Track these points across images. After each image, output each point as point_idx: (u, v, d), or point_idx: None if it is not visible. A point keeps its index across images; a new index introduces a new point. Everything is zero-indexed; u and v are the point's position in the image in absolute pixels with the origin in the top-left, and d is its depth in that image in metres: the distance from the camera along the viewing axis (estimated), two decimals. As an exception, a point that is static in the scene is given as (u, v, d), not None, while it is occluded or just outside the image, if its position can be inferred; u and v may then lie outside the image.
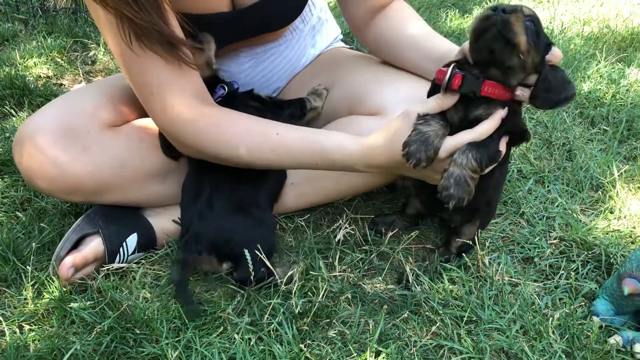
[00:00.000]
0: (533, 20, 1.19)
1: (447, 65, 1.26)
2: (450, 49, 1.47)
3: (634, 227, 1.69)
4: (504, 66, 1.20)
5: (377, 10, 1.64)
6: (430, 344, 1.31)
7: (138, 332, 1.26)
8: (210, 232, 1.41)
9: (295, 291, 1.37)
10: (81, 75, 2.57)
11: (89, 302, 1.35)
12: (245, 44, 1.72)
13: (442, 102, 1.25)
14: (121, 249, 1.47)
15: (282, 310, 1.33)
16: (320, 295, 1.35)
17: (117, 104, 1.55)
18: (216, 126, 1.36)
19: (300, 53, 1.88)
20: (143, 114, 1.56)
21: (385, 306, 1.35)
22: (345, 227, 1.53)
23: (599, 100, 2.34)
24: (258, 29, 1.66)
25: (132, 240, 1.50)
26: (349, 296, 1.42)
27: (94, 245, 1.46)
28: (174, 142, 1.41)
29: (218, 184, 1.46)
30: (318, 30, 1.93)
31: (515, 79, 1.23)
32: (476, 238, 1.51)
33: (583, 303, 1.46)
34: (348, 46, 2.08)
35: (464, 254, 1.51)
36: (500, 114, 1.24)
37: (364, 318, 1.36)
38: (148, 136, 1.52)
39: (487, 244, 1.62)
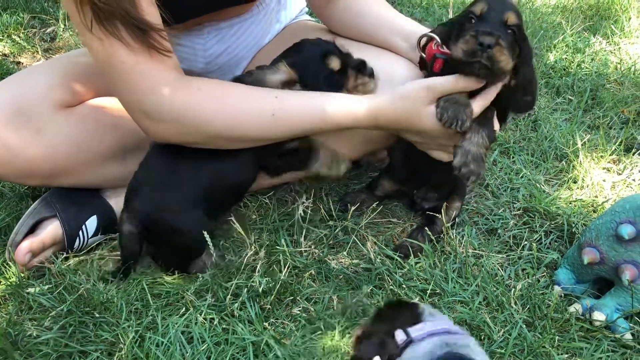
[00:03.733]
0: (516, 28, 1.24)
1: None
2: (416, 29, 1.50)
3: (596, 196, 1.71)
4: None
5: None
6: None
7: (97, 315, 1.24)
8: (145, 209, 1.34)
9: (258, 269, 1.36)
10: (40, 52, 2.49)
11: (47, 287, 1.32)
12: (210, 18, 1.66)
13: (462, 82, 1.27)
14: (81, 232, 1.44)
15: (245, 289, 1.32)
16: (284, 273, 1.34)
17: (71, 83, 1.49)
18: (209, 92, 1.31)
19: (266, 29, 1.83)
20: (99, 93, 1.52)
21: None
22: (307, 204, 1.52)
23: (564, 70, 2.35)
24: (224, 1, 1.61)
25: (92, 223, 1.47)
26: (314, 272, 1.42)
27: (52, 229, 1.42)
28: (150, 126, 1.30)
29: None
30: (283, 4, 1.89)
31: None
32: (442, 211, 1.51)
33: (545, 273, 1.48)
34: (314, 19, 2.05)
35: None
36: (497, 86, 1.30)
37: (328, 294, 1.36)
38: (104, 116, 1.48)
39: (452, 216, 1.62)
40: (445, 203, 1.54)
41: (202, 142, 1.34)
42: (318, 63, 1.43)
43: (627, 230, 1.29)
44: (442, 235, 1.51)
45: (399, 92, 1.34)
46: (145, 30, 1.21)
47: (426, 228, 1.51)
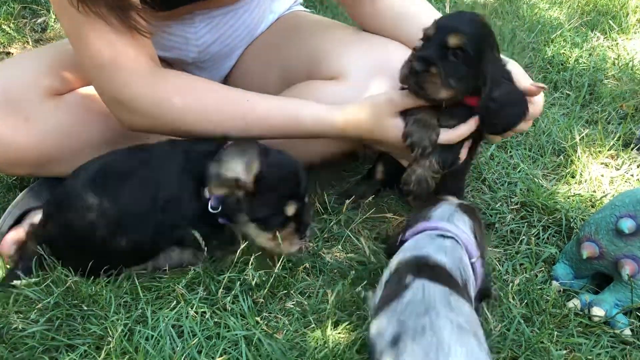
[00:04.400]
0: (459, 51, 1.21)
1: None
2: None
3: (594, 191, 1.69)
4: None
5: None
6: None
7: (85, 308, 1.20)
8: None
9: (252, 262, 1.33)
10: (30, 43, 2.45)
11: (33, 280, 1.28)
12: (201, 6, 1.63)
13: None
14: (69, 223, 1.41)
15: (238, 283, 1.29)
16: (277, 267, 1.31)
17: (60, 71, 1.46)
18: (181, 89, 1.32)
19: (259, 18, 1.80)
20: (88, 81, 1.48)
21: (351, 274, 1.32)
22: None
23: (562, 64, 2.33)
24: None
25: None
26: (308, 266, 1.39)
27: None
28: (124, 116, 1.32)
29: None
30: (277, -6, 1.86)
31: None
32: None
33: (543, 268, 1.46)
34: (308, 10, 2.02)
35: None
36: (475, 119, 1.29)
37: (322, 288, 1.33)
38: (94, 105, 1.44)
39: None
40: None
41: (175, 134, 1.37)
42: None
43: (627, 225, 1.27)
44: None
45: (366, 102, 1.37)
46: (126, 9, 1.20)
47: None
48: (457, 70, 1.21)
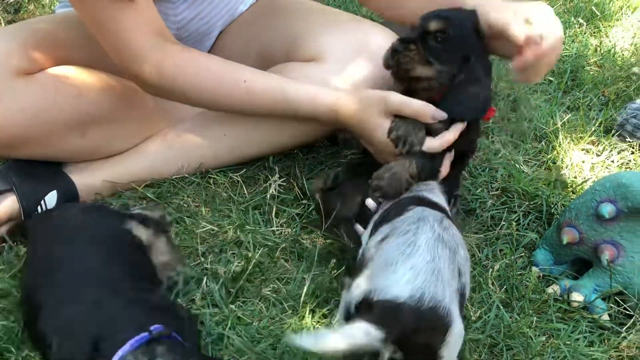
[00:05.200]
0: (439, 33, 1.22)
1: None
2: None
3: (575, 177, 1.68)
4: None
5: None
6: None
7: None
8: None
9: (227, 249, 1.30)
10: (3, 24, 2.38)
11: (2, 267, 1.24)
12: None
13: (420, 111, 1.23)
14: (39, 208, 1.37)
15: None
16: (255, 252, 1.29)
17: (30, 50, 1.41)
18: (182, 68, 1.35)
19: (240, -3, 1.77)
20: (60, 61, 1.44)
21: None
22: (279, 182, 1.46)
23: (544, 50, 2.31)
24: None
25: (51, 198, 1.39)
26: (287, 252, 1.37)
27: (8, 204, 1.34)
28: (136, 81, 1.39)
29: None
30: (258, -28, 1.83)
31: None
32: None
33: (524, 254, 1.44)
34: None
35: None
36: (459, 126, 1.25)
37: (300, 274, 1.31)
38: (65, 85, 1.40)
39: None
40: None
41: (180, 102, 1.47)
42: None
43: (607, 209, 1.26)
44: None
45: (362, 92, 1.34)
46: None
47: None
48: (437, 51, 1.22)
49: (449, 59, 1.23)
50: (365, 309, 0.92)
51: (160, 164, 1.53)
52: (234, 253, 1.33)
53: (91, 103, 1.43)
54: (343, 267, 1.30)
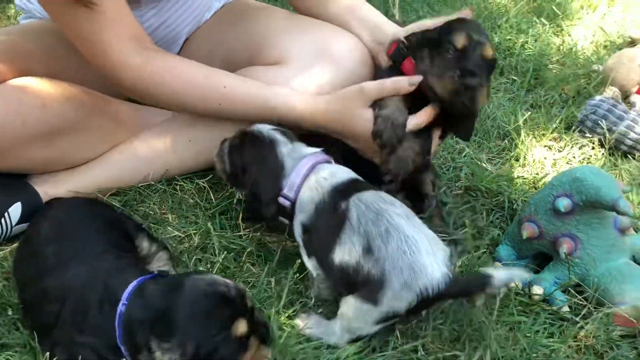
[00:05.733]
0: (494, 60, 1.27)
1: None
2: (384, 21, 1.53)
3: (537, 173, 1.72)
4: None
5: None
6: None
7: (11, 314, 1.17)
8: None
9: (192, 255, 1.31)
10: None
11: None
12: None
13: (397, 85, 1.29)
14: (3, 220, 1.36)
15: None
16: (219, 256, 1.30)
17: None
18: (163, 74, 1.39)
19: (206, 5, 1.79)
20: (22, 73, 1.44)
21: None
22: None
23: (508, 50, 2.36)
24: None
25: (15, 210, 1.38)
26: (254, 256, 1.38)
27: (-29, 217, 1.34)
28: (118, 87, 1.43)
29: None
30: (223, -20, 1.85)
31: None
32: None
33: (487, 250, 1.47)
34: (254, -1, 2.01)
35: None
36: (433, 106, 1.31)
37: (266, 278, 1.32)
38: (28, 96, 1.40)
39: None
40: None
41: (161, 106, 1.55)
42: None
43: (563, 203, 1.29)
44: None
45: (338, 92, 1.38)
46: None
47: None
48: (489, 79, 1.28)
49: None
50: None
51: (126, 173, 1.53)
52: (199, 258, 1.34)
53: (55, 114, 1.42)
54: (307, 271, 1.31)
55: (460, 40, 1.23)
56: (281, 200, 1.27)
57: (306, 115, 1.39)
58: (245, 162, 1.31)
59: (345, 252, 1.14)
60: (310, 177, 1.25)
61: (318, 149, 1.32)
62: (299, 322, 1.21)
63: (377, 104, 1.30)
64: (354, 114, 1.33)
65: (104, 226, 1.26)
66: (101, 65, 1.38)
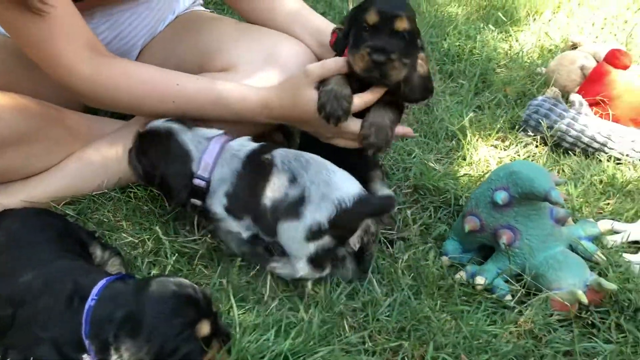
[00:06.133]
0: (407, 33, 1.29)
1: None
2: (326, 24, 1.60)
3: (483, 171, 1.79)
4: None
5: None
6: (286, 296, 1.33)
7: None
8: None
9: (144, 260, 1.34)
10: None
11: None
12: (101, 2, 1.63)
13: (338, 64, 1.34)
14: (-46, 232, 1.37)
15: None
16: (170, 259, 1.32)
17: None
18: (116, 79, 1.41)
19: (160, 17, 1.82)
20: None
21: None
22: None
23: (457, 56, 2.44)
24: None
25: (-33, 222, 1.39)
26: (206, 259, 1.41)
27: None
28: (73, 94, 1.44)
29: None
30: (177, -5, 1.89)
31: None
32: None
33: (434, 245, 1.52)
34: (207, 10, 2.05)
35: None
36: (380, 87, 1.35)
37: (217, 279, 1.35)
38: None
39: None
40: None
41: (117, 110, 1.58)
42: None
43: (501, 196, 1.35)
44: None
45: (284, 81, 1.44)
46: None
47: None
48: (406, 49, 1.30)
49: (412, 53, 1.33)
50: None
51: (80, 182, 1.54)
52: (152, 262, 1.36)
53: (7, 125, 1.43)
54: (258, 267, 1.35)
55: (370, 18, 1.28)
56: (196, 182, 1.36)
57: (262, 106, 1.43)
58: (152, 159, 1.39)
59: (275, 190, 1.30)
60: (224, 154, 1.36)
61: (220, 131, 1.42)
62: (272, 265, 1.35)
63: (321, 83, 1.35)
64: (301, 95, 1.37)
65: (57, 235, 1.28)
66: (55, 73, 1.39)
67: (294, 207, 1.28)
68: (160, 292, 1.04)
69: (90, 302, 1.04)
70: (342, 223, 1.27)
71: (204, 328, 1.03)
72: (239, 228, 1.37)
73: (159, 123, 1.41)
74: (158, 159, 1.38)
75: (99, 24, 1.67)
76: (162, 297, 1.03)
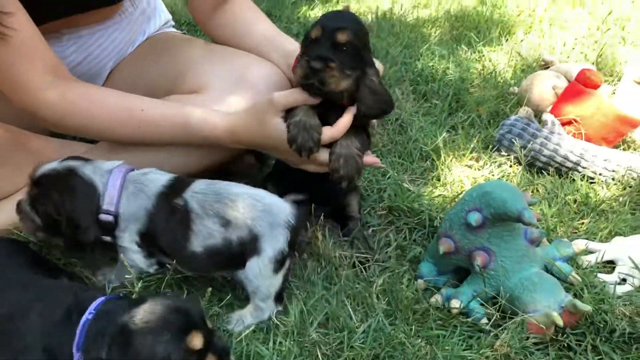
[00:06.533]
0: (349, 45, 1.30)
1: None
2: (296, 47, 1.56)
3: (457, 192, 1.77)
4: None
5: (221, 2, 1.66)
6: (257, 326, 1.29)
7: None
8: None
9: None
10: None
11: None
12: (69, 24, 1.61)
13: (304, 94, 1.32)
14: None
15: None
16: (136, 287, 1.28)
17: None
18: (78, 104, 1.39)
19: (130, 38, 1.80)
20: None
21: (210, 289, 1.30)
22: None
23: (431, 76, 2.45)
24: (86, 3, 1.59)
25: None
26: (174, 286, 1.37)
27: None
28: (39, 122, 1.43)
29: None
30: (148, 16, 1.87)
31: None
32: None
33: (409, 267, 1.50)
34: (178, 31, 2.03)
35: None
36: (352, 110, 1.35)
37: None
38: None
39: (321, 218, 1.61)
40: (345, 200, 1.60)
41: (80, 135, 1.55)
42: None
43: (474, 218, 1.34)
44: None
45: (250, 107, 1.42)
46: None
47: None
48: (349, 61, 1.31)
49: (356, 66, 1.32)
50: None
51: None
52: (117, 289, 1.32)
53: None
54: (230, 295, 1.31)
55: (314, 32, 1.31)
56: (102, 217, 1.29)
57: (228, 132, 1.41)
58: (55, 202, 1.29)
59: (206, 238, 1.26)
60: (127, 186, 1.30)
61: (119, 161, 1.37)
62: (238, 320, 1.30)
63: (288, 113, 1.34)
64: (267, 123, 1.35)
65: (31, 261, 1.28)
66: (18, 97, 1.37)
67: (249, 249, 1.26)
68: (151, 307, 1.03)
69: (87, 315, 1.05)
70: (294, 240, 1.30)
71: (196, 339, 1.01)
72: (144, 265, 1.34)
73: (55, 164, 1.32)
74: (61, 200, 1.28)
75: (67, 46, 1.65)
76: (152, 311, 1.02)
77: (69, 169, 1.31)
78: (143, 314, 1.01)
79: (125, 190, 1.30)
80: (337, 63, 1.28)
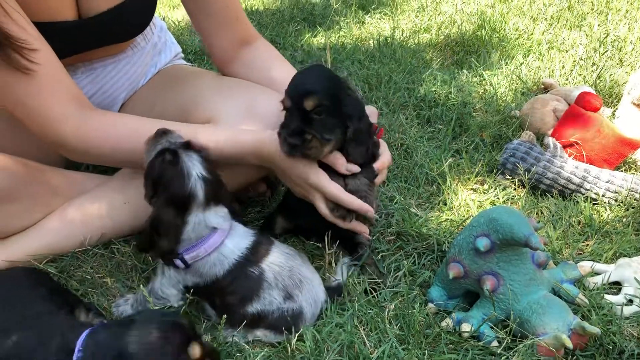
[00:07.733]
0: (321, 108, 1.31)
1: None
2: None
3: (464, 216, 1.81)
4: None
5: (243, 43, 1.71)
6: (273, 352, 1.32)
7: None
8: None
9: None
10: None
11: None
12: (83, 58, 1.66)
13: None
14: None
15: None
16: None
17: None
18: (103, 132, 1.42)
19: (142, 71, 1.85)
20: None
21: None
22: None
23: (434, 101, 2.50)
24: (101, 40, 1.63)
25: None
26: (192, 316, 1.40)
27: None
28: (60, 149, 1.44)
29: None
30: (159, 49, 1.92)
31: None
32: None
33: (420, 292, 1.53)
34: (188, 64, 2.09)
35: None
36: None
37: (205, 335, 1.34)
38: None
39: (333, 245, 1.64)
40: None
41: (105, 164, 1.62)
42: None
43: (482, 243, 1.37)
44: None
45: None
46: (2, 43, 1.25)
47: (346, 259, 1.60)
48: (326, 124, 1.32)
49: (336, 124, 1.35)
50: None
51: (61, 240, 1.54)
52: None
53: None
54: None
55: (284, 102, 1.35)
56: (176, 262, 1.32)
57: (252, 148, 1.44)
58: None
59: (265, 304, 1.34)
60: (212, 254, 1.33)
61: (226, 222, 1.37)
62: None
63: None
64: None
65: (48, 293, 1.30)
66: (42, 129, 1.39)
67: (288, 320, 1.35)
68: (144, 326, 1.05)
69: (77, 354, 1.06)
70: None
71: (196, 350, 1.06)
72: (175, 301, 1.38)
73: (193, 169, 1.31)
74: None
75: (81, 78, 1.70)
76: (149, 327, 1.05)
77: (191, 193, 1.29)
78: (139, 336, 1.04)
79: (207, 257, 1.32)
80: (312, 133, 1.30)
